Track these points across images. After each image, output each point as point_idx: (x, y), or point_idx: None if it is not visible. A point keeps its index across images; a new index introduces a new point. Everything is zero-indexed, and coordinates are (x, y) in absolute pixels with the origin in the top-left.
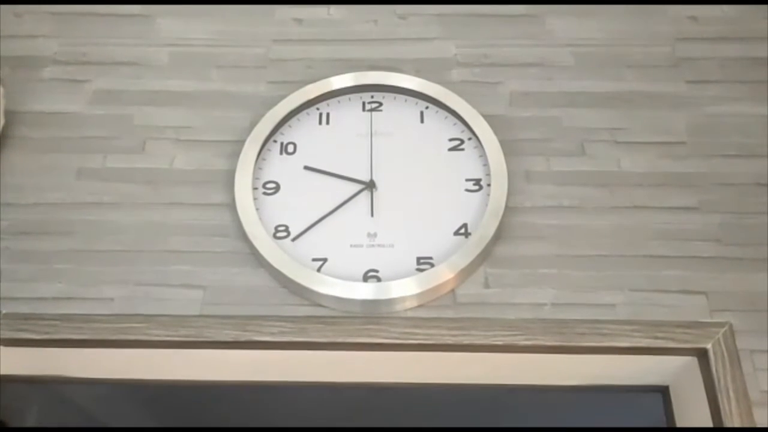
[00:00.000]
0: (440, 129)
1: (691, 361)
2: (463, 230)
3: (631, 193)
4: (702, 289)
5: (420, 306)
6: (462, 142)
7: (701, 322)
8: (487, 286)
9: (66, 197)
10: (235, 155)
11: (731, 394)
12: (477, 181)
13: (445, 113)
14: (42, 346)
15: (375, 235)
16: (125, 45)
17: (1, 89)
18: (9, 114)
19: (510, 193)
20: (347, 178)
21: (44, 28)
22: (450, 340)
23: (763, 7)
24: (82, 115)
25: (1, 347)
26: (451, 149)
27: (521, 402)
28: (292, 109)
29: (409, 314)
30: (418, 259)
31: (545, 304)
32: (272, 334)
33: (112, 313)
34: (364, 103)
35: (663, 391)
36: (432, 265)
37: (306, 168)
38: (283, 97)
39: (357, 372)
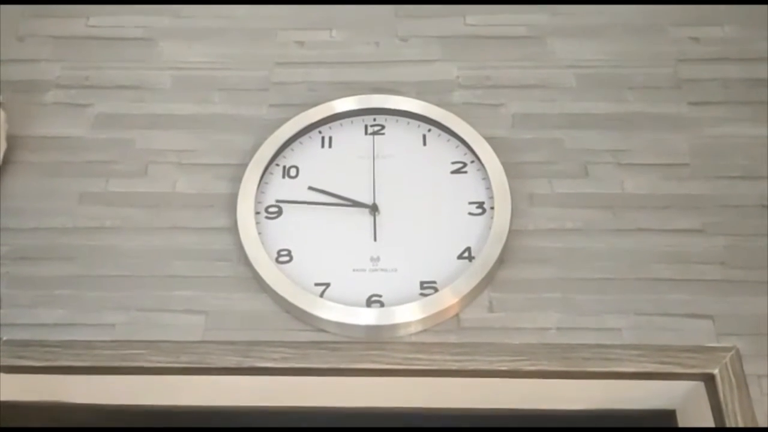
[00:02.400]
0: (443, 152)
1: (698, 386)
2: (466, 254)
3: (635, 215)
4: (708, 313)
5: (424, 331)
6: (465, 164)
7: (708, 347)
8: (491, 310)
9: (67, 222)
10: (238, 179)
11: (739, 419)
12: (480, 204)
13: (448, 136)
14: (43, 372)
15: (378, 259)
16: (127, 68)
17: (3, 114)
18: (11, 138)
19: (513, 216)
20: (350, 200)
21: (46, 52)
22: (454, 366)
23: (765, 27)
24: (84, 139)
25: (2, 374)
26: (453, 172)
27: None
28: (294, 132)
29: (413, 339)
30: (422, 283)
31: (550, 329)
32: (274, 360)
33: (114, 339)
34: (366, 126)
35: (670, 416)
36: (436, 290)
37: (310, 188)
38: (285, 120)
39: (361, 398)
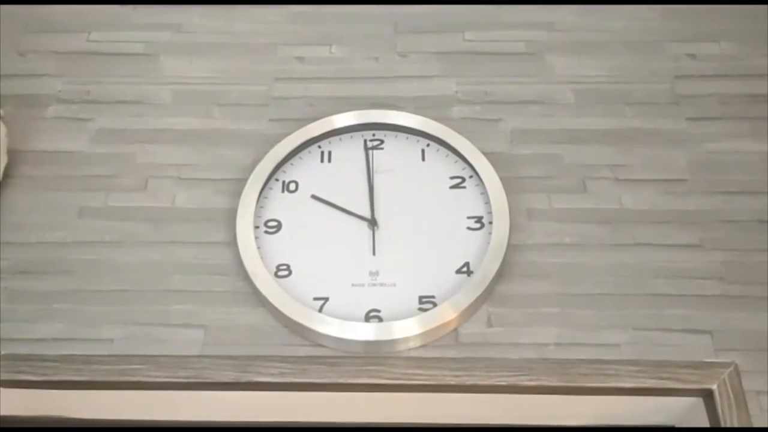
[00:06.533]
0: (441, 167)
1: (697, 402)
2: (465, 269)
3: (633, 230)
4: (706, 328)
5: (422, 346)
6: (463, 179)
7: (706, 362)
8: (489, 325)
9: (67, 236)
10: (237, 193)
11: None
12: (479, 219)
13: (446, 151)
14: (41, 387)
15: (377, 273)
16: (128, 83)
17: (4, 128)
18: (12, 152)
19: (512, 231)
20: (351, 212)
21: (48, 66)
22: (453, 381)
23: (762, 43)
24: (84, 153)
25: (1, 389)
26: (452, 187)
27: None
28: (294, 147)
29: (412, 354)
30: (420, 298)
31: (549, 344)
32: (272, 375)
33: (112, 353)
34: (365, 141)
35: None
36: (434, 305)
37: (313, 197)
38: (284, 134)
39: (359, 413)
